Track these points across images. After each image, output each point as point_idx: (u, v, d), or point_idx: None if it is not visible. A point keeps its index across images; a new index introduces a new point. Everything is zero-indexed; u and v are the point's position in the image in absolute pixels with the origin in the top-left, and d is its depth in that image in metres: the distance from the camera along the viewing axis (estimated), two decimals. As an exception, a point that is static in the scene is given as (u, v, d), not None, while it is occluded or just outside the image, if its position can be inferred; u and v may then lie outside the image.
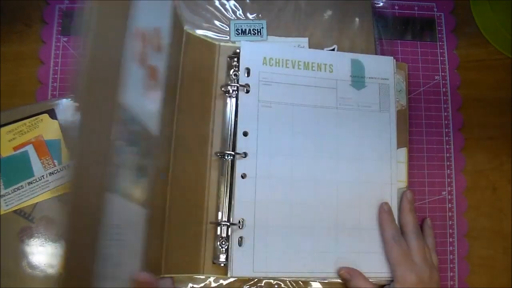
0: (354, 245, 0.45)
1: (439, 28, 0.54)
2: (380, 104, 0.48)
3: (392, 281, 0.44)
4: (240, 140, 0.45)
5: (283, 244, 0.44)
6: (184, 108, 0.45)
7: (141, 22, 0.33)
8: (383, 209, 0.45)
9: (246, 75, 0.46)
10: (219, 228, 0.44)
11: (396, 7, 0.54)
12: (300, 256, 0.44)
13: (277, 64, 0.47)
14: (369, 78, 0.49)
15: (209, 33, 0.50)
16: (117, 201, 0.30)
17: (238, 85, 0.46)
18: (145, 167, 0.36)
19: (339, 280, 0.44)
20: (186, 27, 0.47)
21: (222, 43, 0.48)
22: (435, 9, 0.54)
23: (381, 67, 0.49)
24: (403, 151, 0.48)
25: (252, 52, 0.47)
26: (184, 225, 0.44)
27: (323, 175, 0.46)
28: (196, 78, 0.46)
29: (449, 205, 0.50)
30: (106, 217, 0.28)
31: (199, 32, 0.50)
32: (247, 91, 0.46)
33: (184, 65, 0.45)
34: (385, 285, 0.44)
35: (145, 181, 0.36)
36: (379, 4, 0.54)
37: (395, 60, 0.50)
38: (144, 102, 0.34)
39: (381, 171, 0.47)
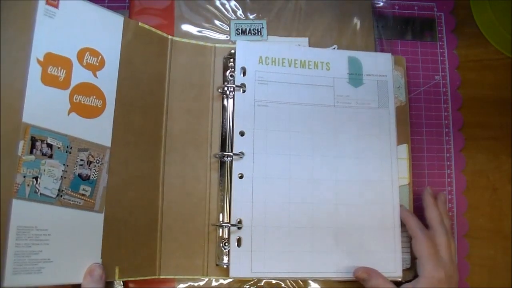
0: (355, 245, 0.44)
1: (439, 28, 0.54)
2: (378, 101, 0.48)
3: (413, 277, 0.43)
4: (237, 140, 0.45)
5: (282, 244, 0.43)
6: (176, 113, 0.46)
7: (54, 48, 0.38)
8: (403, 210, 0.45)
9: (242, 74, 0.46)
10: (220, 230, 0.44)
11: (396, 7, 0.54)
12: (299, 257, 0.44)
13: (273, 63, 0.47)
14: (367, 75, 0.48)
15: (208, 33, 0.50)
16: (29, 207, 0.35)
17: (234, 86, 0.46)
18: (87, 175, 0.39)
19: (339, 280, 0.44)
20: (172, 37, 0.47)
21: (217, 45, 0.48)
22: (435, 9, 0.54)
23: (379, 64, 0.49)
24: (404, 148, 0.48)
25: (247, 51, 0.47)
26: (183, 227, 0.44)
27: (322, 174, 0.45)
28: (189, 83, 0.47)
29: (449, 205, 0.50)
30: (14, 221, 0.34)
31: (196, 31, 0.50)
32: (244, 91, 0.46)
33: (172, 72, 0.46)
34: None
35: (90, 189, 0.39)
36: (379, 4, 0.54)
37: (393, 55, 0.50)
38: (73, 119, 0.38)
39: (381, 168, 0.47)
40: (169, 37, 0.47)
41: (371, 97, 0.48)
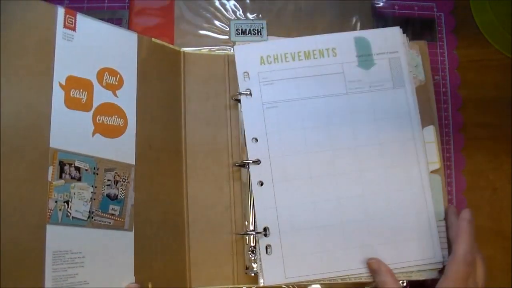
0: (389, 235, 0.43)
1: (439, 28, 0.54)
2: (393, 80, 0.45)
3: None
4: (251, 147, 0.44)
5: (314, 246, 0.42)
6: (194, 126, 0.46)
7: (75, 71, 0.38)
8: (464, 217, 0.41)
9: (245, 79, 0.45)
10: (247, 238, 0.43)
11: (396, 7, 0.54)
12: (334, 256, 0.42)
13: (276, 60, 0.45)
14: (377, 54, 0.46)
15: (208, 33, 0.50)
16: (63, 231, 0.35)
17: (239, 92, 0.45)
18: (115, 195, 0.39)
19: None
20: (184, 48, 0.47)
21: (230, 53, 0.47)
22: (435, 9, 0.54)
23: (389, 40, 0.46)
24: (431, 130, 0.45)
25: (246, 54, 0.45)
26: (210, 238, 0.44)
27: (343, 167, 0.43)
28: (204, 94, 0.47)
29: (449, 205, 0.50)
30: (49, 246, 0.34)
31: (196, 31, 0.50)
32: (250, 96, 0.45)
33: (187, 85, 0.46)
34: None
35: (119, 208, 0.39)
36: (379, 4, 0.54)
37: (404, 33, 0.47)
38: (98, 140, 0.39)
39: (405, 152, 0.44)
40: (181, 50, 0.47)
41: (385, 77, 0.45)
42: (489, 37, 0.54)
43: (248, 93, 0.45)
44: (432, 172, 0.44)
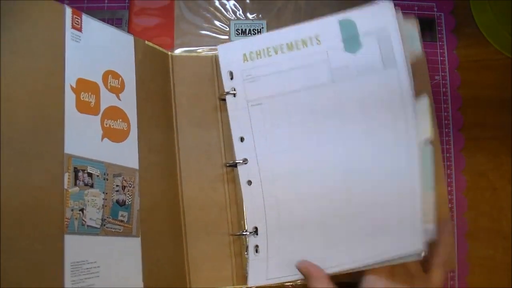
0: (369, 229, 0.39)
1: (439, 28, 0.54)
2: (383, 61, 0.41)
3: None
4: (238, 147, 0.43)
5: (296, 246, 0.41)
6: (186, 128, 0.45)
7: (84, 73, 0.37)
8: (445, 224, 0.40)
9: (230, 78, 0.44)
10: (244, 238, 0.43)
11: (396, 7, 0.54)
12: (314, 254, 0.40)
13: (259, 56, 0.43)
14: (364, 34, 0.41)
15: (208, 33, 0.50)
16: (79, 240, 0.34)
17: (225, 92, 0.44)
18: (123, 201, 0.38)
19: (370, 267, 0.39)
20: (171, 52, 0.47)
21: (216, 53, 0.46)
22: (435, 9, 0.54)
23: (377, 17, 0.41)
24: (425, 100, 0.40)
25: (229, 52, 0.44)
26: (207, 240, 0.44)
27: (332, 160, 0.41)
28: (194, 96, 0.46)
29: (449, 205, 0.50)
30: (67, 257, 0.33)
31: (195, 32, 0.50)
32: (234, 95, 0.44)
33: (176, 87, 0.46)
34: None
35: (127, 214, 0.38)
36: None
37: (398, 7, 0.42)
38: (106, 145, 0.38)
39: (396, 138, 0.40)
40: (169, 53, 0.47)
41: (374, 59, 0.41)
42: (489, 37, 0.54)
43: (234, 92, 0.44)
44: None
